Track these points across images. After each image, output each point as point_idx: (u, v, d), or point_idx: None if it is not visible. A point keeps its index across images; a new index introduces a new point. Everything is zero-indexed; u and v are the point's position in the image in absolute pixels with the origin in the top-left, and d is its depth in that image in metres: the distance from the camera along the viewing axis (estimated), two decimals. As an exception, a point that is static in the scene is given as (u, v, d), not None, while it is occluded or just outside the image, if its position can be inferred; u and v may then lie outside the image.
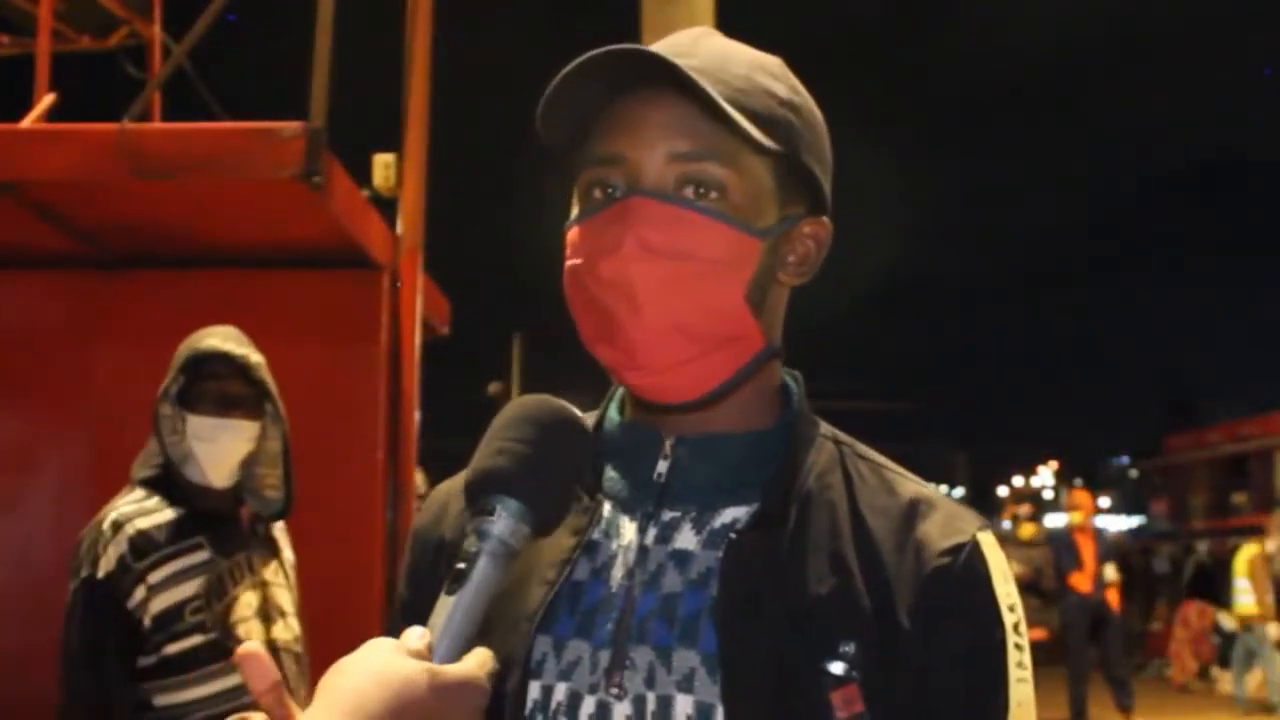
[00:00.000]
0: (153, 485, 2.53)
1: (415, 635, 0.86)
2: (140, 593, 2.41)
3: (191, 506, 2.51)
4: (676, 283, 0.97)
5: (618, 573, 1.01)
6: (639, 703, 0.96)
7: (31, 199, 3.58)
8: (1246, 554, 11.36)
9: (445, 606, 0.89)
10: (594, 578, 1.02)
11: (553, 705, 0.99)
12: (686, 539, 1.01)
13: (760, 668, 0.94)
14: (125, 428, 3.94)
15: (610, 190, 1.00)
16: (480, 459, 0.96)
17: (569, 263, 1.03)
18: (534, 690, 1.00)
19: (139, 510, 2.48)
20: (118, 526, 2.44)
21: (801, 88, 1.06)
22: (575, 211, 1.04)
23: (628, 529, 1.03)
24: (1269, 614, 11.12)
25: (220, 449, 2.53)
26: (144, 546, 2.43)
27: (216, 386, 2.55)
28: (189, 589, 2.44)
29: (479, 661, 0.88)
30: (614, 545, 1.03)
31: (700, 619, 0.97)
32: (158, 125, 4.51)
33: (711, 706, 0.94)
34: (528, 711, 0.99)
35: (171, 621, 2.42)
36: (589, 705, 0.97)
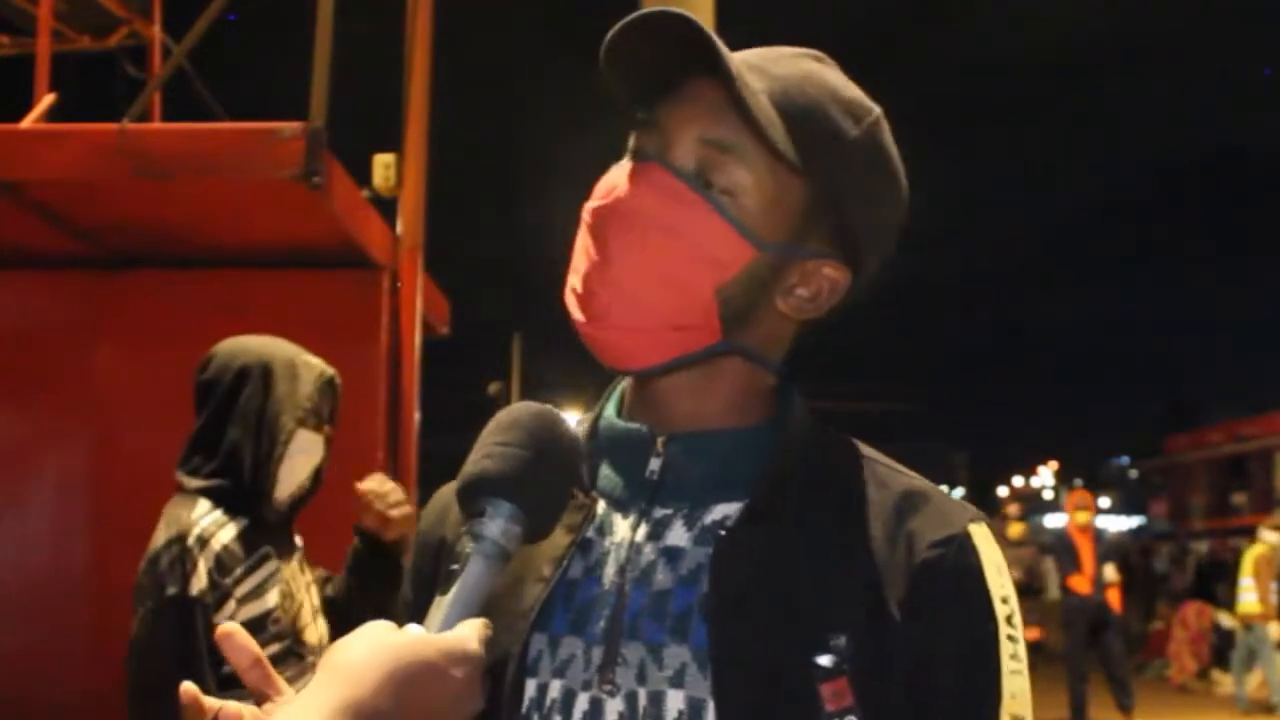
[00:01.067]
0: (216, 496, 2.49)
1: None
2: (230, 607, 2.39)
3: (252, 515, 2.49)
4: (651, 251, 0.99)
5: (610, 570, 1.02)
6: (631, 699, 0.97)
7: (31, 199, 3.58)
8: (1253, 553, 11.38)
9: (439, 607, 0.91)
10: (587, 575, 1.02)
11: (547, 703, 0.99)
12: (678, 535, 1.01)
13: (749, 662, 0.95)
14: (125, 428, 3.96)
15: (643, 152, 1.03)
16: (469, 464, 0.98)
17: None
18: (530, 688, 1.00)
19: (215, 524, 2.44)
20: (203, 542, 2.39)
21: (888, 145, 1.06)
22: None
23: (621, 526, 1.03)
24: (1271, 613, 11.14)
25: (309, 462, 2.56)
26: (228, 562, 2.41)
27: (321, 402, 2.58)
28: (271, 599, 2.44)
29: (471, 628, 0.90)
30: (607, 543, 1.03)
31: (691, 615, 0.97)
32: (158, 125, 4.51)
33: (702, 702, 0.95)
34: (524, 709, 1.00)
35: (255, 632, 2.36)
36: (582, 702, 0.98)
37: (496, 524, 0.94)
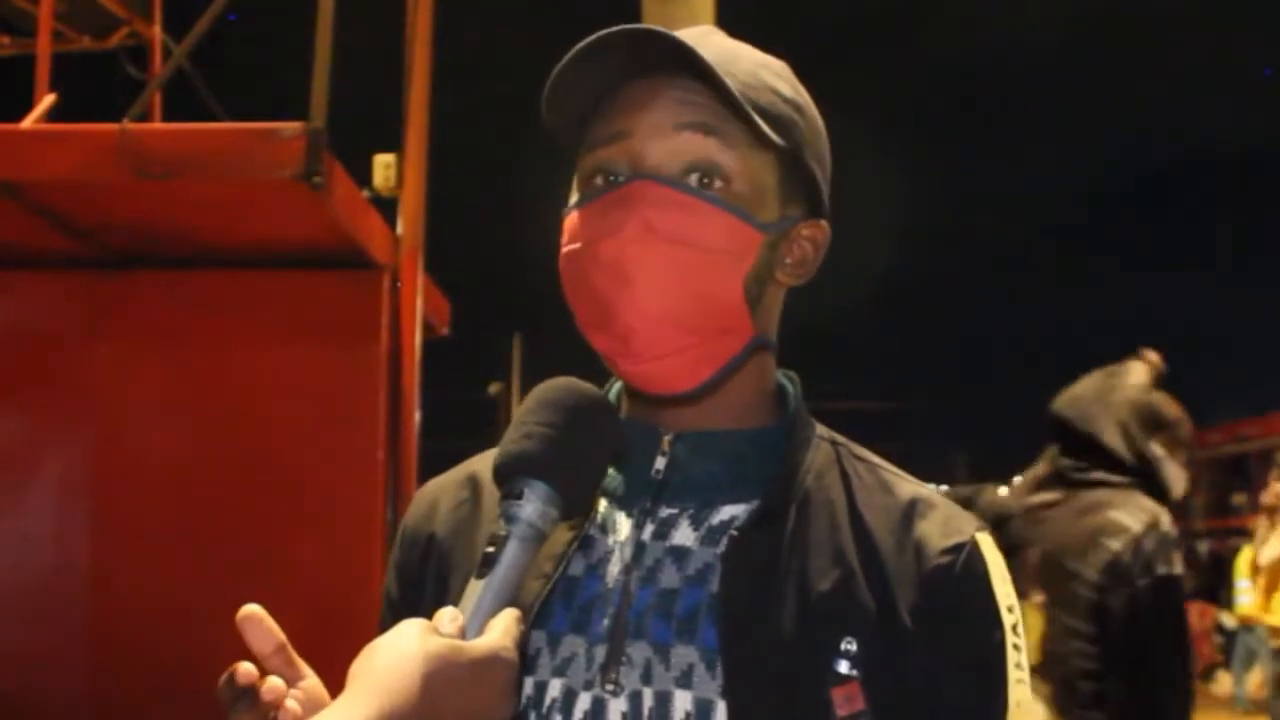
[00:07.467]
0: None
1: (447, 618, 0.88)
2: None
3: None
4: (676, 269, 0.97)
5: (614, 568, 1.01)
6: (635, 699, 0.96)
7: (31, 199, 3.58)
8: (1248, 554, 11.37)
9: (474, 590, 0.91)
10: (589, 573, 1.02)
11: (547, 701, 0.98)
12: (684, 535, 1.01)
13: (762, 664, 0.94)
14: (125, 428, 3.95)
15: (613, 176, 1.00)
16: (507, 443, 0.97)
17: (566, 248, 1.02)
18: (528, 686, 0.99)
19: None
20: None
21: (804, 91, 1.07)
22: (575, 198, 1.03)
23: (624, 525, 1.03)
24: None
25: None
26: None
27: None
28: None
29: (504, 629, 0.89)
30: (610, 541, 1.02)
31: (699, 615, 0.97)
32: (158, 125, 4.51)
33: (711, 702, 0.94)
34: (521, 707, 0.98)
35: None
36: (584, 701, 0.97)
37: (533, 506, 0.93)
